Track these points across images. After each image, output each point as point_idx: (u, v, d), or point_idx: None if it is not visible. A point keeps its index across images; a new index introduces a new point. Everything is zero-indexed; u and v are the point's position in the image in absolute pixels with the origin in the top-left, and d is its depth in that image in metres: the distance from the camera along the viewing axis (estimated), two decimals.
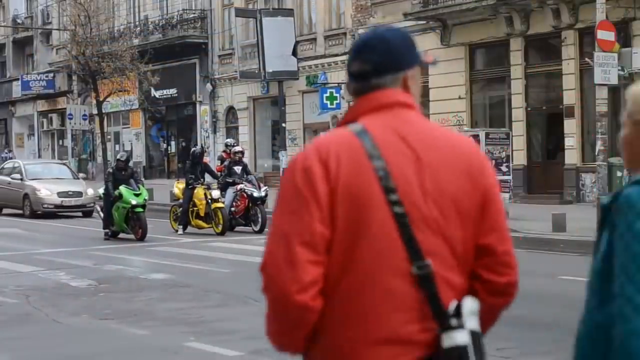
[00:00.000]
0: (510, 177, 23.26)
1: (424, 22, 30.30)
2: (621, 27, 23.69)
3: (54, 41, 50.91)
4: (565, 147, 26.77)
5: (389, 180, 2.61)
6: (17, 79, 52.87)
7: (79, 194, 27.87)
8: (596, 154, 21.00)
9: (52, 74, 50.44)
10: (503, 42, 28.30)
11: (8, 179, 29.23)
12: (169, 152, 44.34)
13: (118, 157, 22.21)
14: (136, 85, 41.23)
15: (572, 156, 26.56)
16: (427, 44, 30.62)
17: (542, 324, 9.94)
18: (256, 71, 35.61)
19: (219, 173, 22.90)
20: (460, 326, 2.60)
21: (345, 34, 34.02)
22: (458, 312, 2.62)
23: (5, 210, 29.81)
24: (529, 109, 28.09)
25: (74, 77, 44.13)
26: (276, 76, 34.58)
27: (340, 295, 2.61)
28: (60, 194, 27.65)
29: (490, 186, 2.73)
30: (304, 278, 2.56)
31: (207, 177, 22.55)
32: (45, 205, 27.59)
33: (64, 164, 33.55)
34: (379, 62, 2.74)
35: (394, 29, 2.83)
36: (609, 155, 21.84)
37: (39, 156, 50.92)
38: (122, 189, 20.54)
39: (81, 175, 32.48)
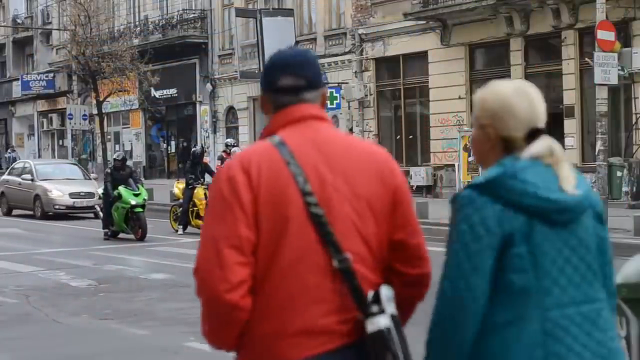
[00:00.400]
0: None
1: (424, 22, 30.30)
2: (621, 27, 23.69)
3: (54, 41, 50.92)
4: (565, 147, 26.75)
5: (306, 185, 2.85)
6: (17, 79, 52.87)
7: (90, 195, 27.10)
8: (596, 154, 21.00)
9: (52, 74, 50.44)
10: (503, 42, 28.30)
11: (18, 179, 28.75)
12: (169, 152, 44.34)
13: (115, 156, 22.22)
14: (136, 85, 41.23)
15: (572, 156, 26.55)
16: (427, 44, 30.65)
17: None
18: (256, 71, 35.60)
19: None
20: (382, 311, 2.83)
21: (345, 34, 34.02)
22: (377, 299, 2.85)
23: (15, 212, 29.17)
24: None
25: (74, 77, 44.12)
26: None
27: (265, 292, 2.83)
28: (72, 195, 27.05)
29: (399, 186, 2.99)
30: (233, 279, 2.78)
31: (207, 177, 22.54)
32: (57, 206, 27.03)
33: (75, 164, 33.01)
34: (312, 78, 3.01)
35: (308, 50, 3.18)
36: (609, 155, 21.84)
37: (39, 156, 50.89)
38: (122, 189, 20.54)
39: (93, 175, 32.12)
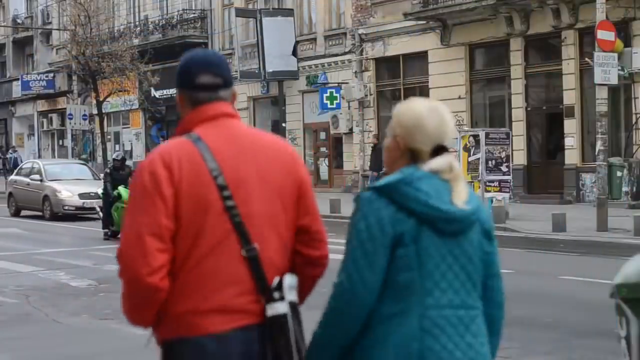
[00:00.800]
0: (510, 177, 23.25)
1: (424, 22, 30.30)
2: (621, 27, 23.68)
3: (54, 41, 50.92)
4: (565, 147, 26.76)
5: (222, 179, 3.15)
6: (17, 79, 52.87)
7: (99, 196, 27.07)
8: (596, 154, 20.99)
9: (52, 74, 50.44)
10: (503, 42, 28.29)
11: (27, 179, 28.44)
12: None
13: (114, 156, 22.19)
14: (136, 85, 41.22)
15: (572, 156, 26.55)
16: (427, 44, 30.65)
17: (542, 324, 9.94)
18: (256, 71, 35.61)
19: None
20: (282, 298, 3.17)
21: (345, 34, 34.01)
22: (280, 287, 3.18)
23: (23, 212, 28.84)
24: (529, 108, 28.08)
25: (74, 77, 44.12)
26: (276, 76, 34.59)
27: (184, 274, 3.14)
28: (81, 196, 26.69)
29: (304, 178, 3.32)
30: (154, 263, 3.08)
31: None
32: (66, 207, 26.70)
33: (84, 164, 32.73)
34: (227, 77, 3.31)
35: (219, 52, 3.43)
36: (609, 155, 21.83)
37: (39, 156, 50.86)
38: (121, 189, 20.53)
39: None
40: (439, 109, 3.19)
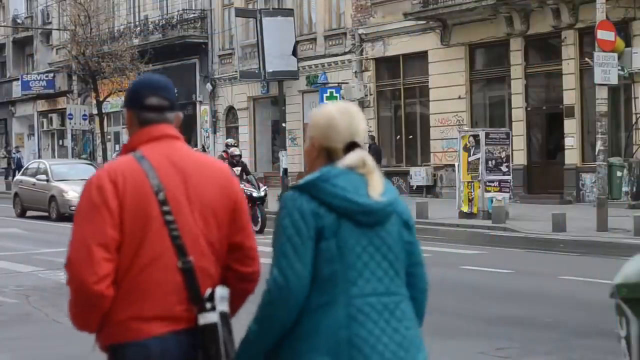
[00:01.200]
0: (510, 177, 23.26)
1: (424, 22, 30.30)
2: (621, 27, 23.68)
3: (54, 41, 50.91)
4: (565, 147, 26.76)
5: (162, 195, 3.40)
6: (17, 79, 52.86)
7: None
8: (596, 154, 20.99)
9: (52, 74, 50.43)
10: (503, 42, 28.29)
11: (33, 179, 28.18)
12: None
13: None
14: None
15: (572, 156, 26.56)
16: (427, 44, 30.65)
17: (542, 324, 9.94)
18: (256, 71, 35.61)
19: None
20: (213, 308, 3.40)
21: (345, 34, 34.01)
22: (211, 298, 3.41)
23: (29, 213, 28.58)
24: (529, 108, 28.09)
25: (74, 77, 44.12)
26: (276, 76, 34.58)
27: (127, 283, 3.37)
28: None
29: (238, 197, 3.57)
30: (100, 272, 3.31)
31: None
32: (73, 208, 25.57)
33: (91, 163, 32.51)
34: (173, 101, 3.59)
35: (166, 77, 3.73)
36: (609, 155, 21.83)
37: (39, 156, 50.85)
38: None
39: None
40: (349, 109, 3.42)
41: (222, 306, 3.44)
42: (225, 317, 3.44)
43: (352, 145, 3.36)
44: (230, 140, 25.71)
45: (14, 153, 50.79)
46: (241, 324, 3.50)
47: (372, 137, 31.16)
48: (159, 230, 3.39)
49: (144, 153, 3.47)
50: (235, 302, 3.56)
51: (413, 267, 3.47)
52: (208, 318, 3.40)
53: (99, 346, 3.51)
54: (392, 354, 3.29)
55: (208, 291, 3.43)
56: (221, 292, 3.45)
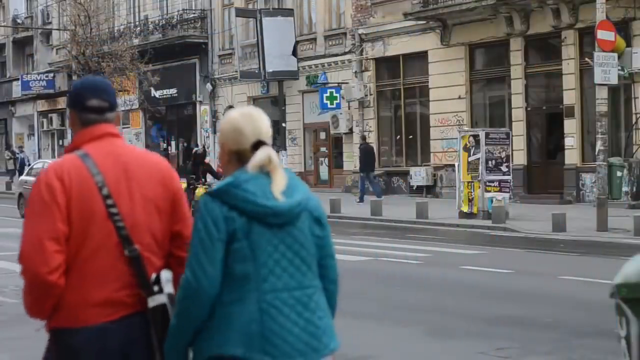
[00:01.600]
0: (510, 177, 23.25)
1: (424, 22, 30.30)
2: (621, 27, 23.68)
3: (54, 41, 50.91)
4: (565, 147, 26.76)
5: (106, 190, 3.69)
6: (17, 79, 52.86)
7: None
8: (596, 154, 20.99)
9: (52, 74, 50.43)
10: (503, 42, 28.29)
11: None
12: (169, 152, 44.35)
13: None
14: (136, 85, 41.21)
15: (572, 156, 26.55)
16: (427, 44, 30.65)
17: (542, 324, 9.94)
18: (256, 71, 35.61)
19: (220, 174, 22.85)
20: (161, 291, 3.70)
21: (345, 34, 34.00)
22: (158, 281, 3.71)
23: None
24: (529, 108, 28.09)
25: (74, 77, 44.10)
26: (276, 76, 34.59)
27: (74, 271, 3.65)
28: None
29: (177, 189, 3.88)
30: (52, 263, 3.59)
31: (209, 177, 22.52)
32: None
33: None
34: (113, 101, 3.86)
35: (106, 79, 3.96)
36: (609, 155, 21.82)
37: (39, 156, 50.85)
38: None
39: None
40: (251, 113, 3.73)
41: (168, 288, 3.72)
42: (172, 298, 3.70)
43: (258, 144, 3.64)
44: None
45: (18, 153, 50.78)
46: None
47: (363, 137, 31.28)
48: (103, 222, 3.66)
49: (87, 151, 3.74)
50: (177, 285, 3.75)
51: (324, 259, 3.71)
52: (157, 300, 3.69)
53: (46, 329, 3.81)
54: (304, 344, 3.55)
55: (153, 276, 3.72)
56: (166, 275, 3.74)
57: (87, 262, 3.66)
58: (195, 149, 23.86)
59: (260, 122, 3.71)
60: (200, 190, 21.26)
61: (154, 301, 3.70)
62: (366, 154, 29.85)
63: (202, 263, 3.50)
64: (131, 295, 3.70)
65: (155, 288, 3.70)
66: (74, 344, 3.68)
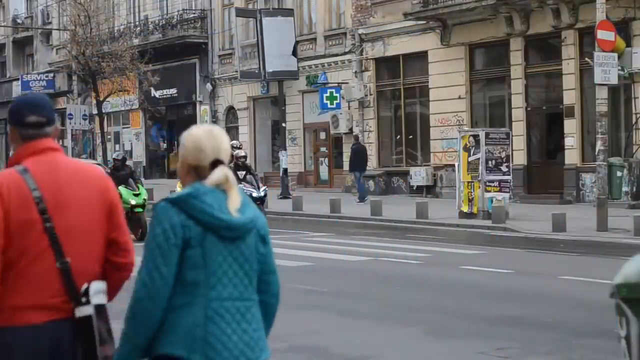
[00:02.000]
0: (510, 177, 23.25)
1: (424, 22, 30.29)
2: (621, 27, 23.67)
3: (54, 41, 50.89)
4: (565, 147, 26.76)
5: (42, 205, 3.88)
6: (17, 79, 52.79)
7: None
8: (596, 154, 20.99)
9: (52, 74, 50.39)
10: (503, 42, 28.29)
11: None
12: (169, 152, 44.35)
13: (114, 156, 22.14)
14: (136, 85, 41.19)
15: (572, 156, 26.56)
16: (427, 44, 30.65)
17: (542, 324, 9.94)
18: (256, 71, 35.61)
19: None
20: (88, 302, 3.91)
21: (345, 34, 34.00)
22: (87, 293, 3.91)
23: None
24: (529, 108, 28.09)
25: (74, 77, 44.09)
26: (276, 76, 34.59)
27: (11, 279, 3.87)
28: None
29: (113, 198, 4.10)
30: None
31: None
32: None
33: (100, 164, 32.40)
34: (51, 116, 4.06)
35: (44, 95, 4.26)
36: (609, 155, 21.82)
37: None
38: (121, 189, 20.50)
39: None
40: (213, 132, 3.96)
41: (97, 299, 3.94)
42: (100, 309, 3.94)
43: (216, 163, 3.87)
44: (236, 142, 25.49)
45: None
46: None
47: (356, 137, 31.32)
48: (39, 235, 3.87)
49: (26, 166, 3.94)
50: (113, 290, 4.08)
51: (266, 275, 3.95)
52: (83, 311, 3.91)
53: None
54: (240, 352, 3.78)
55: (84, 286, 3.92)
56: (96, 286, 3.95)
57: (23, 271, 3.87)
58: None
59: (221, 141, 3.95)
60: None
61: (79, 312, 3.91)
62: (358, 153, 30.01)
63: (158, 265, 3.71)
64: (65, 302, 3.92)
65: (83, 299, 3.91)
66: (9, 341, 3.88)
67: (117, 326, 3.92)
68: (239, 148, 23.25)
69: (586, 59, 24.09)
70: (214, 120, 40.47)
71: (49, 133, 4.05)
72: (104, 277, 4.03)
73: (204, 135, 3.92)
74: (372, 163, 32.86)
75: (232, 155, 18.55)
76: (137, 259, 3.95)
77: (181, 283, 3.74)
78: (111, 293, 4.08)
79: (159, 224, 3.75)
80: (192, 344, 3.72)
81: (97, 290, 3.95)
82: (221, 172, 3.84)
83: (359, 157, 30.00)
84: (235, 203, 3.83)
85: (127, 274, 4.14)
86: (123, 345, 3.76)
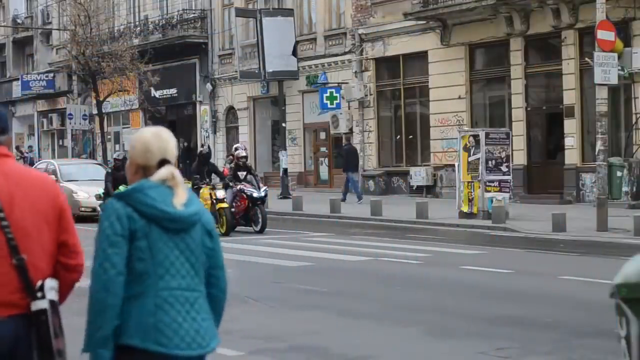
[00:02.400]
0: (510, 177, 23.25)
1: (424, 22, 30.30)
2: (621, 27, 23.67)
3: (54, 41, 50.89)
4: (565, 147, 26.76)
5: None
6: (17, 79, 52.83)
7: (100, 196, 24.37)
8: (596, 154, 20.99)
9: (52, 74, 50.40)
10: (503, 42, 28.29)
11: None
12: None
13: (115, 156, 22.14)
14: (136, 85, 41.19)
15: (572, 156, 26.56)
16: (427, 44, 30.65)
17: (542, 324, 9.94)
18: (256, 71, 35.61)
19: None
20: (43, 297, 4.12)
21: (345, 34, 34.00)
22: (42, 288, 4.12)
23: None
24: (529, 108, 28.09)
25: (74, 77, 44.11)
26: (276, 76, 34.59)
27: None
28: (98, 197, 24.61)
29: (62, 203, 4.30)
30: None
31: (215, 178, 22.45)
32: (83, 209, 25.61)
33: (100, 164, 32.06)
34: (4, 126, 4.33)
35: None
36: (609, 155, 21.82)
37: (39, 156, 50.84)
38: (122, 189, 20.51)
39: None
40: (160, 134, 4.16)
41: (51, 295, 4.15)
42: (54, 304, 4.15)
43: (163, 162, 4.08)
44: (240, 145, 25.41)
45: (27, 153, 50.76)
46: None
47: (347, 138, 31.31)
48: None
49: None
50: (64, 290, 4.28)
51: (214, 269, 4.17)
52: (38, 305, 4.10)
53: None
54: (192, 338, 3.99)
55: (39, 282, 4.12)
56: (50, 283, 4.17)
57: None
58: (201, 149, 23.72)
59: (167, 143, 4.15)
60: (204, 191, 21.14)
61: (35, 306, 4.10)
62: (349, 154, 30.16)
63: (108, 255, 3.93)
64: (22, 298, 4.11)
65: (39, 294, 4.11)
66: None
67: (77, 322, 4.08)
68: (241, 148, 23.22)
69: (586, 59, 24.09)
70: (214, 120, 40.50)
71: (1, 141, 4.26)
72: (55, 278, 4.23)
73: (151, 137, 4.13)
74: (372, 163, 32.90)
75: (233, 156, 18.68)
76: (88, 262, 4.13)
77: (131, 274, 3.95)
78: (63, 294, 4.29)
79: (106, 218, 3.98)
80: (144, 333, 3.92)
81: (51, 286, 4.16)
82: (167, 170, 4.06)
83: (353, 157, 30.16)
84: (180, 198, 4.03)
85: (77, 275, 4.33)
86: (90, 336, 3.99)
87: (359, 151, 32.42)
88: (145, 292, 3.96)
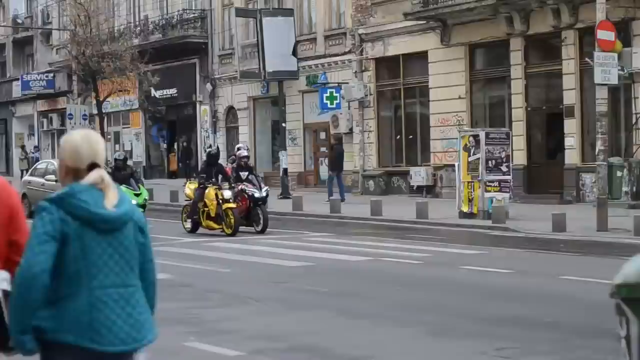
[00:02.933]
0: (510, 177, 23.25)
1: (424, 22, 30.30)
2: (621, 27, 23.67)
3: (54, 41, 50.89)
4: (565, 147, 26.76)
5: None
6: (17, 79, 52.84)
7: None
8: (596, 154, 20.99)
9: (52, 74, 50.42)
10: (503, 42, 28.29)
11: (42, 180, 27.38)
12: (169, 152, 44.35)
13: (115, 156, 22.13)
14: (136, 85, 41.20)
15: (572, 156, 26.56)
16: (427, 44, 30.65)
17: (542, 324, 9.94)
18: (256, 71, 35.61)
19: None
20: None
21: (345, 34, 34.00)
22: None
23: None
24: (529, 108, 28.09)
25: (74, 77, 44.09)
26: (276, 76, 34.58)
27: None
28: None
29: (15, 204, 4.58)
30: None
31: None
32: None
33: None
34: None
35: None
36: (609, 155, 21.82)
37: (40, 156, 50.78)
38: (122, 189, 20.49)
39: None
40: (90, 137, 4.28)
41: (3, 285, 4.42)
42: (6, 294, 4.36)
43: (93, 165, 4.21)
44: (243, 145, 25.39)
45: (33, 153, 50.69)
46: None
47: (339, 139, 31.29)
48: None
49: None
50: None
51: (145, 263, 4.35)
52: None
53: None
54: (126, 334, 4.16)
55: None
56: (2, 275, 4.43)
57: None
58: (209, 149, 23.60)
59: (97, 146, 4.27)
60: (210, 191, 21.07)
61: None
62: (340, 155, 30.33)
63: (35, 253, 4.07)
64: None
65: None
66: None
67: None
68: (245, 149, 23.16)
69: (586, 59, 24.08)
70: (214, 120, 40.51)
71: None
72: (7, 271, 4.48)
73: (81, 140, 4.26)
74: (372, 163, 32.90)
75: (236, 156, 18.60)
76: None
77: (65, 275, 4.11)
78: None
79: (40, 219, 4.12)
80: (79, 331, 4.10)
81: (3, 278, 4.44)
82: (97, 174, 4.21)
83: (342, 158, 30.34)
84: (111, 200, 4.20)
85: None
86: (14, 324, 4.13)
87: (358, 151, 32.42)
88: (80, 291, 4.12)
